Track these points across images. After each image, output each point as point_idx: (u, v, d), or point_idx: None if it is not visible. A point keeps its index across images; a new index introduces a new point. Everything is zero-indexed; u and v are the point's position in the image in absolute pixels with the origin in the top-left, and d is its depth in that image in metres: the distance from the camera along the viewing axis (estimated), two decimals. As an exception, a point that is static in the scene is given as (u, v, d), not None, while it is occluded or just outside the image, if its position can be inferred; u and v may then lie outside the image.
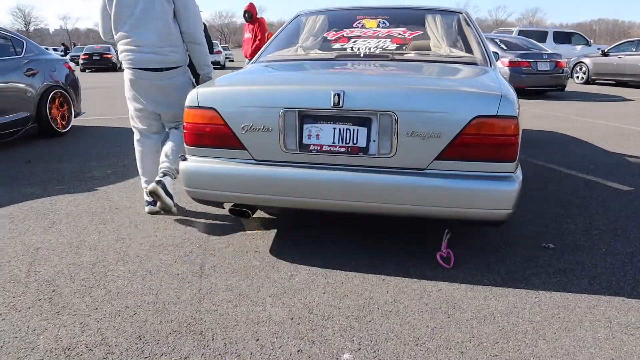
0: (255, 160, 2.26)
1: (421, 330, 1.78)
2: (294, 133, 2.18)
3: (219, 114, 2.25)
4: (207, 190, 2.34)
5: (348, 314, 1.89)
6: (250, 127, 2.23)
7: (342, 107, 2.10)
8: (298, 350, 1.66)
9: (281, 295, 2.03)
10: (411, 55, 2.77)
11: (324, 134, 2.18)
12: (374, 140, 2.12)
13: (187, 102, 2.32)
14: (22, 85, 5.11)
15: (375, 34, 2.94)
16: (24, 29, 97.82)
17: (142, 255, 2.42)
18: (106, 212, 3.04)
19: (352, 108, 2.10)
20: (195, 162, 2.33)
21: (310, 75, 2.65)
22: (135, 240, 2.61)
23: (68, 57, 34.15)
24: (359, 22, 3.08)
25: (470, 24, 3.02)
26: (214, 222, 2.87)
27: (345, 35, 2.99)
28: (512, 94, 2.14)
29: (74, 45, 40.46)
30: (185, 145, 2.37)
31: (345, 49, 2.87)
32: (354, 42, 2.90)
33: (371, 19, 3.09)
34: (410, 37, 2.92)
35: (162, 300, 1.99)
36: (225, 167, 2.28)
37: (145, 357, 1.62)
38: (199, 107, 2.29)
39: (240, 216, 2.45)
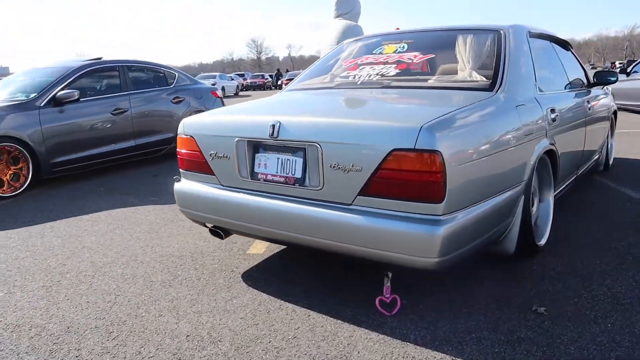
0: (222, 185, 2.48)
1: (284, 371, 1.75)
2: (245, 161, 2.34)
3: (195, 142, 2.55)
4: (190, 210, 2.65)
5: (238, 341, 1.96)
6: (216, 155, 2.47)
7: (278, 137, 2.19)
8: (160, 364, 1.83)
9: (205, 313, 2.20)
10: (407, 81, 2.64)
11: (270, 164, 2.28)
12: (308, 172, 2.14)
13: (178, 130, 2.68)
14: (168, 110, 6.28)
15: (386, 60, 2.87)
16: (256, 58, 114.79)
17: (146, 262, 2.85)
18: (161, 223, 3.61)
19: (286, 139, 2.17)
20: (184, 184, 2.67)
21: (262, 106, 2.75)
22: (155, 248, 3.08)
23: (280, 82, 39.03)
24: (380, 48, 3.04)
25: (503, 43, 2.69)
26: (235, 241, 3.16)
27: (358, 62, 2.99)
28: (449, 125, 1.91)
29: (287, 70, 45.98)
30: (179, 169, 2.73)
31: (347, 77, 2.88)
32: (362, 69, 2.89)
33: (393, 43, 3.01)
34: (419, 61, 2.77)
35: (115, 301, 2.36)
36: (201, 190, 2.55)
37: (54, 343, 2.00)
38: (184, 134, 2.62)
39: (216, 236, 2.69)
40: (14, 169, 4.62)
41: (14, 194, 4.56)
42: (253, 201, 2.31)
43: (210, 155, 2.48)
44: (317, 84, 3.08)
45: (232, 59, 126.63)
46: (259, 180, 2.31)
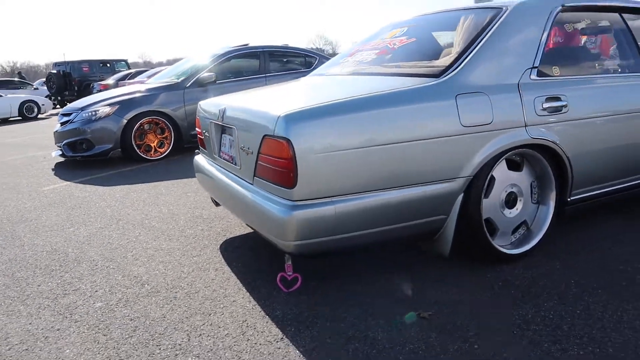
0: (209, 160, 2.94)
1: (156, 320, 2.15)
2: (215, 140, 2.75)
3: (200, 122, 3.05)
4: (198, 179, 3.20)
5: (157, 288, 2.42)
6: (205, 134, 2.93)
7: (223, 120, 2.53)
8: (92, 290, 2.42)
9: (164, 263, 2.72)
10: (371, 68, 2.62)
11: (226, 144, 2.65)
12: (235, 152, 2.45)
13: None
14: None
15: (377, 45, 2.85)
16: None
17: (177, 220, 3.51)
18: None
19: (226, 122, 2.50)
20: (197, 158, 3.21)
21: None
22: (197, 210, 3.72)
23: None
24: (386, 33, 3.00)
25: (493, 21, 2.42)
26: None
27: (359, 48, 3.02)
28: (315, 114, 1.97)
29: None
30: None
31: (339, 65, 2.96)
32: (354, 55, 2.93)
33: (399, 27, 2.94)
34: (398, 46, 2.68)
35: (123, 245, 3.06)
36: (200, 163, 3.06)
37: (60, 266, 2.78)
38: (197, 115, 3.15)
39: (215, 205, 3.15)
40: (160, 138, 5.89)
41: (158, 158, 5.83)
42: (216, 175, 2.71)
43: (203, 134, 2.95)
44: (318, 72, 3.23)
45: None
46: (221, 157, 2.68)
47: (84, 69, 16.92)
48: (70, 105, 6.18)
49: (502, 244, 2.44)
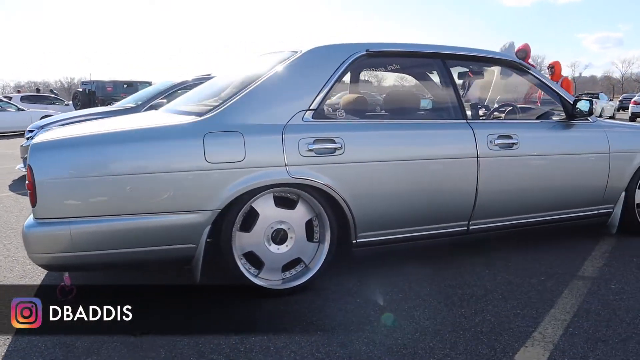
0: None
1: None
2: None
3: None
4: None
5: None
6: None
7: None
8: None
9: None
10: (182, 106, 2.95)
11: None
12: None
13: None
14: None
15: (204, 83, 3.19)
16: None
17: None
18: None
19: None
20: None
21: None
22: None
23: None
24: (223, 71, 3.32)
25: (276, 64, 2.69)
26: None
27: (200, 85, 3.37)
28: (58, 145, 2.31)
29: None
30: None
31: (172, 101, 3.32)
32: (190, 92, 3.28)
33: (231, 67, 3.26)
34: (212, 84, 3.00)
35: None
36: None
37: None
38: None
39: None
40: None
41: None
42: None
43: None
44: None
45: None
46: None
47: (108, 88, 18.20)
48: (35, 123, 6.82)
49: (270, 278, 2.59)
